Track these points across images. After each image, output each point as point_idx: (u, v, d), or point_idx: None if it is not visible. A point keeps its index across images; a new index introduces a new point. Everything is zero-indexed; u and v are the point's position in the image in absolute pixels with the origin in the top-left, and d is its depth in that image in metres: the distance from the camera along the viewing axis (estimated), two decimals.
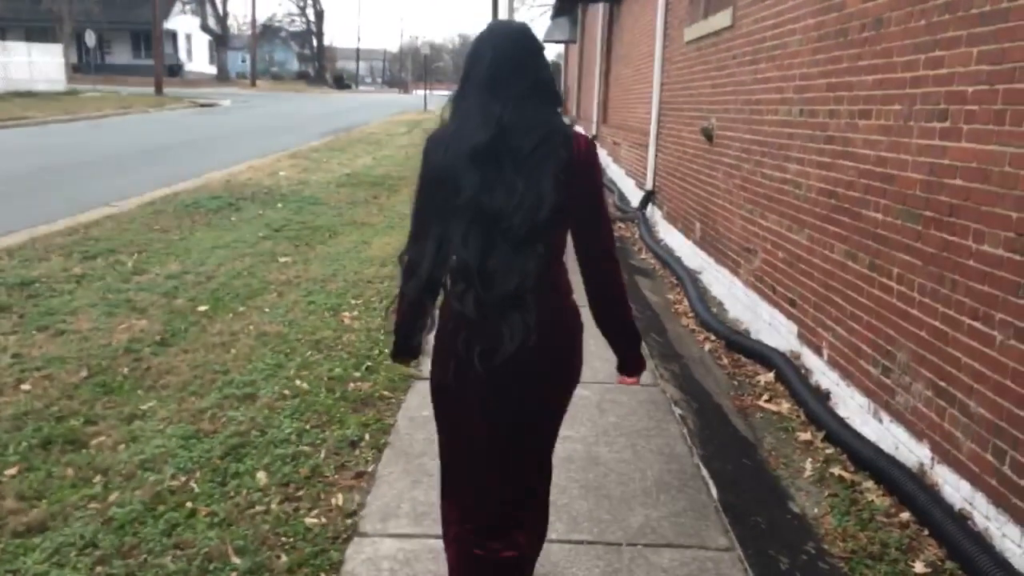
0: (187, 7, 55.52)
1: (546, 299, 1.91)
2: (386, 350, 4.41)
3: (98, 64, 52.33)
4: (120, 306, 5.08)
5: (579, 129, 2.50)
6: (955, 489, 3.17)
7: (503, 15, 39.98)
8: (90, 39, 38.17)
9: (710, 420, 3.93)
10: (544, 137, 1.90)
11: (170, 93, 36.71)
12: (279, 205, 9.37)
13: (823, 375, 4.60)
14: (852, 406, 4.19)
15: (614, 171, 14.47)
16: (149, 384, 3.86)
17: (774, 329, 5.45)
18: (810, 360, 4.81)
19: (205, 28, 55.96)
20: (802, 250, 5.00)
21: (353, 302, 5.38)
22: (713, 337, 5.67)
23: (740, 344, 5.41)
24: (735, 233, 6.49)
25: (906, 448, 3.58)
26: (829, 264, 4.57)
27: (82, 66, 43.63)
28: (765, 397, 4.58)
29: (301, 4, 75.35)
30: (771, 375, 4.89)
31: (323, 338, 4.60)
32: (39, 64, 32.44)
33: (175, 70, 53.49)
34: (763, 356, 5.14)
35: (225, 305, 5.24)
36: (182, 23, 56.41)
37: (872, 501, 3.31)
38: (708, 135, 7.44)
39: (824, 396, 4.48)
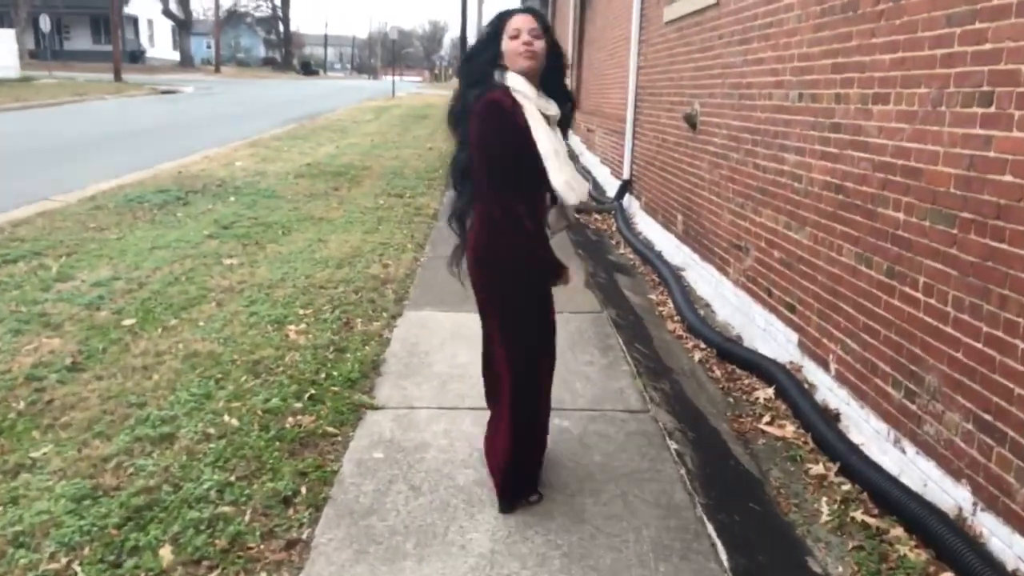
0: None
1: (473, 230, 2.80)
2: (334, 372, 3.84)
3: (56, 50, 50.72)
4: (31, 321, 4.44)
5: (503, 94, 2.63)
6: (1007, 544, 2.67)
7: (472, 3, 39.29)
8: (45, 24, 36.80)
9: (709, 453, 3.40)
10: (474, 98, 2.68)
11: (130, 80, 35.51)
12: (231, 199, 8.70)
13: (831, 392, 4.10)
14: (867, 431, 3.68)
15: (588, 159, 13.92)
16: (48, 422, 3.25)
17: (770, 336, 4.94)
18: (814, 374, 4.30)
19: (167, 13, 54.38)
20: (803, 250, 4.48)
21: (301, 312, 4.78)
22: (703, 344, 5.15)
23: (734, 354, 4.90)
24: (723, 228, 5.98)
25: (938, 487, 3.08)
26: (836, 267, 4.05)
27: (39, 52, 42.08)
28: (766, 418, 4.07)
29: None
30: (771, 391, 4.37)
31: (262, 358, 4.00)
32: None
33: (136, 56, 52.05)
34: (761, 368, 4.63)
35: (155, 318, 4.62)
36: (143, 8, 54.83)
37: (905, 556, 2.80)
38: (691, 122, 6.91)
39: (833, 417, 3.97)
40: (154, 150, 13.14)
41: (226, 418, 3.29)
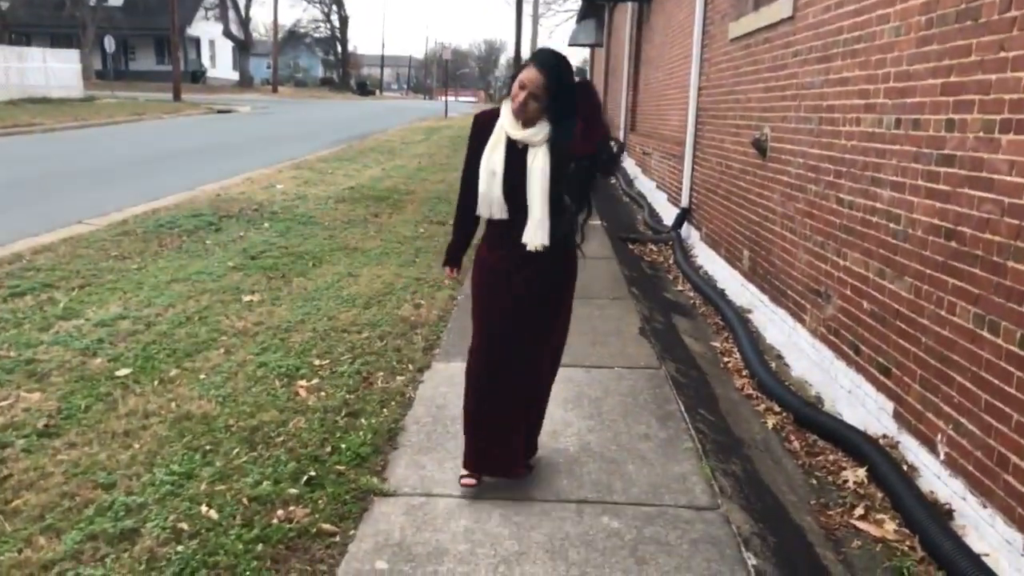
0: (210, 13, 55.01)
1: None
2: (342, 445, 3.26)
3: (121, 70, 52.08)
4: (15, 370, 3.97)
5: (491, 112, 3.06)
6: None
7: (527, 23, 39.01)
8: (109, 45, 37.60)
9: (795, 566, 2.72)
10: None
11: (189, 99, 36.01)
12: (266, 225, 8.28)
13: (939, 480, 3.38)
14: (993, 538, 2.96)
15: (643, 183, 13.25)
16: None
17: (857, 401, 4.23)
18: (917, 454, 3.58)
19: (227, 34, 55.31)
20: (901, 304, 3.78)
21: (316, 363, 4.23)
22: (777, 407, 4.45)
23: (815, 422, 4.19)
24: (798, 270, 5.28)
25: None
26: (947, 329, 3.34)
27: (105, 72, 43.08)
28: (859, 510, 3.36)
29: (326, 10, 74.65)
30: (862, 472, 3.66)
31: (262, 424, 3.45)
32: (55, 70, 31.76)
33: (198, 76, 53.02)
34: (848, 442, 3.92)
35: (153, 367, 4.11)
36: (206, 29, 55.95)
37: None
38: (760, 148, 6.23)
39: (943, 514, 3.25)
40: (199, 171, 12.90)
41: (204, 508, 2.73)
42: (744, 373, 5.02)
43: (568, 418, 3.69)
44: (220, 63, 59.68)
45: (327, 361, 4.27)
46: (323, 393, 3.83)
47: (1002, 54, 3.03)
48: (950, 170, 3.36)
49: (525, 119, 2.87)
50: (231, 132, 22.05)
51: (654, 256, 8.62)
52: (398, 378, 4.10)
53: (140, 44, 54.46)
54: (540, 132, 2.89)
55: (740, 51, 7.18)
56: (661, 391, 4.08)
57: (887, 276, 3.95)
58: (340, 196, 10.30)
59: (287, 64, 75.80)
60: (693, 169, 9.02)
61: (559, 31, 56.30)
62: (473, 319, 3.09)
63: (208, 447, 3.21)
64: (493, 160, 2.90)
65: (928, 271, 3.52)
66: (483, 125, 2.99)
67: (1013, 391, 2.87)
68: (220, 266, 6.35)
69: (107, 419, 3.46)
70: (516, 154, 2.91)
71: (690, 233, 9.11)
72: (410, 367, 4.26)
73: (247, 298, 5.47)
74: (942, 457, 3.36)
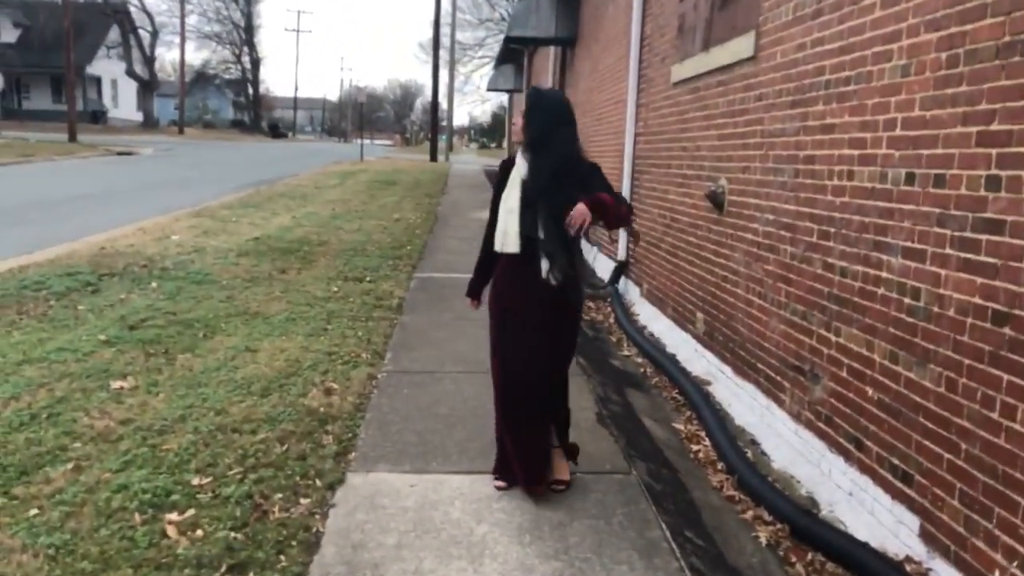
0: (112, 52, 52.71)
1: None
2: None
3: (14, 110, 49.23)
4: None
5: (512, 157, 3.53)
6: None
7: (444, 68, 38.63)
8: None
9: None
10: None
11: (88, 140, 33.99)
12: (153, 284, 7.19)
13: None
14: None
15: None
16: None
17: (862, 507, 3.53)
18: None
19: (131, 73, 52.94)
20: (926, 397, 3.10)
21: (195, 483, 3.26)
22: (767, 515, 3.71)
23: (818, 537, 3.45)
24: (771, 340, 4.61)
25: None
26: (1004, 437, 2.66)
27: None
28: None
29: (237, 52, 72.77)
30: None
31: None
32: None
33: (98, 116, 50.60)
34: (866, 569, 3.19)
35: None
36: (108, 68, 53.56)
37: None
38: (717, 201, 5.60)
39: None
40: (86, 219, 11.63)
41: None
42: (719, 467, 4.27)
43: (527, 560, 2.84)
44: (123, 103, 57.17)
45: (209, 479, 3.30)
46: (200, 532, 2.86)
47: None
48: (997, 238, 2.71)
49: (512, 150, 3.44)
50: (128, 176, 20.56)
51: (592, 314, 7.89)
52: (302, 501, 3.17)
53: (35, 82, 51.76)
54: (520, 169, 3.40)
55: (686, 95, 6.60)
56: (637, 508, 3.28)
57: (901, 361, 3.28)
58: (243, 248, 9.25)
59: (196, 105, 73.12)
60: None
61: (475, 76, 56.38)
62: (491, 343, 3.54)
63: None
64: (511, 199, 3.35)
65: (968, 361, 2.85)
66: (505, 169, 3.48)
67: None
68: (89, 340, 5.27)
69: None
70: (528, 194, 3.34)
71: (629, 289, 8.46)
72: (318, 483, 3.34)
73: (116, 384, 4.43)
74: None
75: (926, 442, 3.10)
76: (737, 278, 5.20)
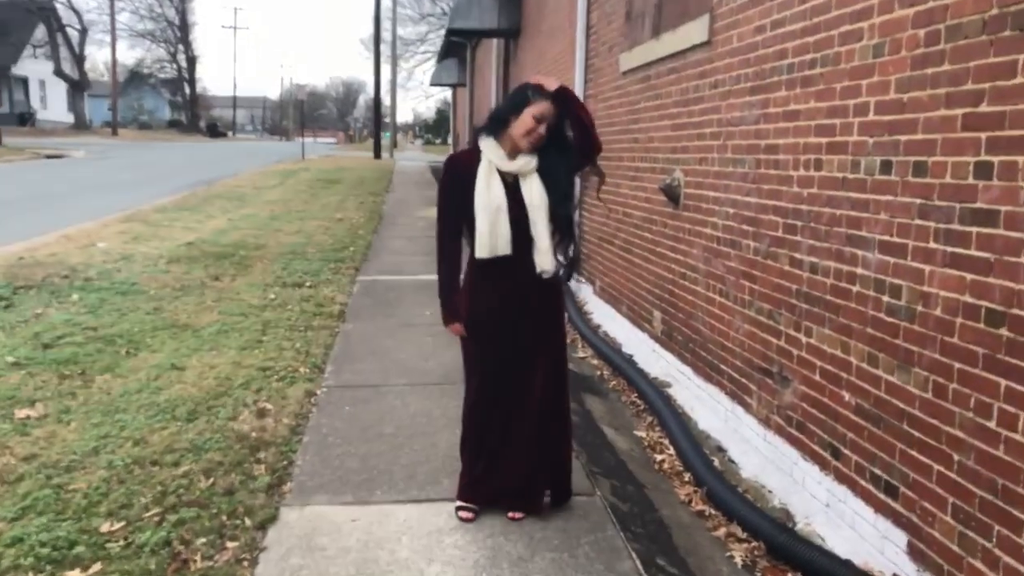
0: (39, 51, 50.65)
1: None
2: None
3: None
4: None
5: (468, 152, 3.13)
6: None
7: (385, 64, 38.02)
8: None
9: None
10: None
11: (13, 143, 32.57)
12: (74, 297, 6.67)
13: None
14: None
15: None
16: None
17: (841, 519, 3.29)
18: None
19: (59, 73, 50.93)
20: (910, 403, 2.87)
21: (104, 531, 2.85)
22: (741, 531, 3.45)
23: (797, 556, 3.20)
24: (734, 341, 4.37)
25: None
26: (1004, 449, 2.43)
27: None
28: None
29: (172, 50, 70.64)
30: None
31: None
32: None
33: (26, 118, 48.60)
34: None
35: None
36: (35, 68, 51.45)
37: None
38: (672, 195, 5.35)
39: None
40: (5, 227, 10.93)
41: None
42: (686, 478, 4.01)
43: None
44: (53, 105, 55.03)
45: (122, 523, 2.91)
46: None
47: None
48: (991, 231, 2.48)
49: (524, 151, 3.00)
50: (57, 179, 19.64)
51: None
52: (228, 545, 2.80)
53: None
54: (530, 161, 3.00)
55: (636, 84, 6.34)
56: (604, 535, 2.98)
57: (881, 364, 3.05)
58: (174, 255, 8.73)
59: (130, 106, 70.81)
60: (581, 216, 8.13)
61: (418, 71, 55.68)
62: (466, 360, 3.19)
63: None
64: (493, 196, 2.95)
65: (959, 365, 2.61)
66: (462, 166, 3.06)
67: None
68: None
69: None
70: (507, 187, 2.99)
71: (580, 287, 8.20)
72: (247, 522, 2.96)
73: (22, 413, 3.98)
74: None
75: (912, 452, 2.86)
76: (696, 275, 4.96)
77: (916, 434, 2.84)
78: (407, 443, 3.80)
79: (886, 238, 3.01)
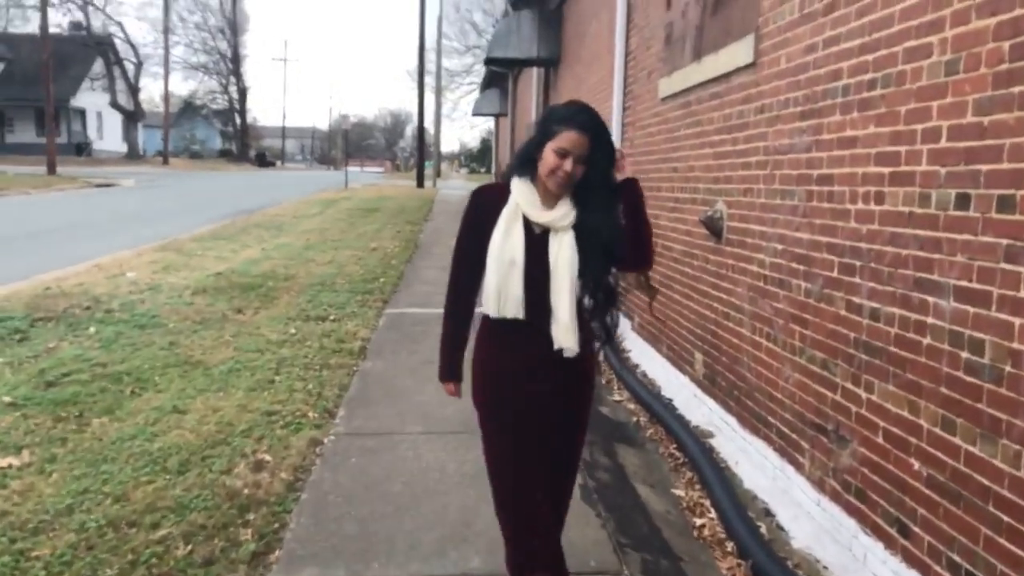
0: (96, 84, 52.13)
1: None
2: None
3: None
4: None
5: (497, 187, 2.57)
6: None
7: (430, 94, 38.19)
8: None
9: None
10: None
11: (69, 172, 33.37)
12: (91, 330, 6.47)
13: None
14: None
15: None
16: None
17: None
18: None
19: (115, 105, 52.34)
20: (999, 481, 2.40)
21: None
22: None
23: None
24: (783, 391, 3.92)
25: None
26: None
27: None
28: None
29: (224, 82, 72.32)
30: None
31: None
32: None
33: (82, 148, 49.99)
34: None
35: None
36: (93, 100, 52.97)
37: None
38: (714, 228, 4.93)
39: None
40: (46, 255, 10.94)
41: None
42: (728, 548, 3.56)
43: None
44: (108, 135, 56.53)
45: None
46: None
47: None
48: None
49: (559, 195, 2.46)
50: (102, 208, 19.89)
51: None
52: None
53: (20, 116, 51.08)
54: (568, 215, 2.46)
55: (676, 111, 5.96)
56: None
57: (960, 431, 2.59)
58: (201, 285, 8.53)
59: (182, 136, 72.47)
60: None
61: (463, 102, 55.91)
62: (485, 443, 2.58)
63: None
64: (509, 247, 2.44)
65: None
66: (486, 202, 2.54)
67: None
68: None
69: None
70: (533, 241, 2.45)
71: (620, 323, 7.76)
72: None
73: (5, 462, 3.69)
74: None
75: (1000, 539, 2.40)
76: (741, 316, 4.52)
77: (1006, 519, 2.37)
78: (414, 505, 3.42)
79: (964, 283, 2.57)
